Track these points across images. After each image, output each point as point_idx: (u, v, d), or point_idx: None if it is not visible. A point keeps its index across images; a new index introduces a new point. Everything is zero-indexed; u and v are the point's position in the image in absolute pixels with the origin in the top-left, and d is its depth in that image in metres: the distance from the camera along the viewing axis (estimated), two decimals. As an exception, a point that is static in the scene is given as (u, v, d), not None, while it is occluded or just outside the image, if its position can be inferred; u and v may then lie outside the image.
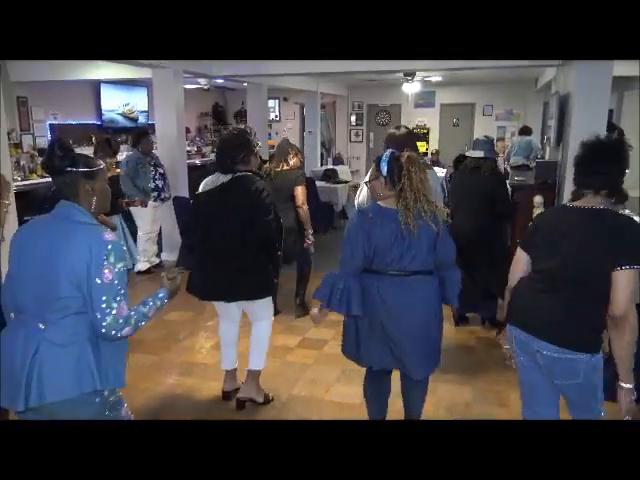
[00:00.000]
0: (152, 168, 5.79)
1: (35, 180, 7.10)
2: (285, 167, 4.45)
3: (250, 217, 2.91)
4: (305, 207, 4.39)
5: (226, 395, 3.36)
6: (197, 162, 10.25)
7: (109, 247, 1.78)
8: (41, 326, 1.78)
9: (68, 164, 1.82)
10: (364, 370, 2.76)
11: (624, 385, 1.95)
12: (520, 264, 2.23)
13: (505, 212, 4.16)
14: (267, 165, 4.58)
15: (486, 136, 4.33)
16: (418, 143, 13.57)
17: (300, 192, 4.37)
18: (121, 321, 1.80)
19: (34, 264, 1.79)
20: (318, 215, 5.45)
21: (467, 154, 4.29)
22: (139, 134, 5.92)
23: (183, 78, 6.44)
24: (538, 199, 4.83)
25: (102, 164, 1.94)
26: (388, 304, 2.41)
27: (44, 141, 8.12)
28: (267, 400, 3.31)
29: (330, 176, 8.91)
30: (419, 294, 2.43)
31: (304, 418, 3.14)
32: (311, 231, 4.50)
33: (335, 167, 9.75)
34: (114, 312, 1.78)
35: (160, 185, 5.87)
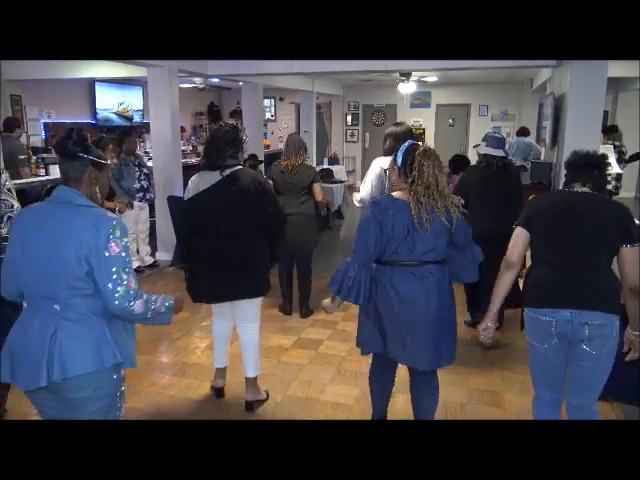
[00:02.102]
0: (137, 168, 5.77)
1: (29, 179, 7.06)
2: (302, 161, 4.54)
3: (259, 208, 2.92)
4: (325, 200, 4.81)
5: (219, 392, 3.37)
6: (192, 161, 10.23)
7: (114, 222, 1.82)
8: (56, 307, 1.81)
9: (80, 150, 1.87)
10: (359, 370, 2.77)
11: (635, 332, 2.35)
12: (521, 241, 2.44)
13: (521, 208, 4.19)
14: (283, 162, 4.54)
15: (497, 132, 4.23)
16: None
17: (318, 188, 4.60)
18: (132, 292, 1.83)
19: (41, 249, 1.81)
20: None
21: (482, 151, 4.09)
22: (123, 134, 5.89)
23: (178, 77, 6.43)
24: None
25: (108, 160, 2.01)
26: (401, 294, 2.43)
27: (38, 140, 8.09)
28: (267, 395, 3.37)
29: (326, 176, 8.91)
30: (431, 281, 2.43)
31: (299, 418, 3.13)
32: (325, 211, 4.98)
33: (331, 167, 9.75)
34: (125, 283, 1.81)
35: (145, 185, 5.85)
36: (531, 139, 8.61)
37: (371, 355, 2.75)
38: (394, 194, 2.47)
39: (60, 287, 1.80)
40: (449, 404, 3.31)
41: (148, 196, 5.92)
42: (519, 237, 2.45)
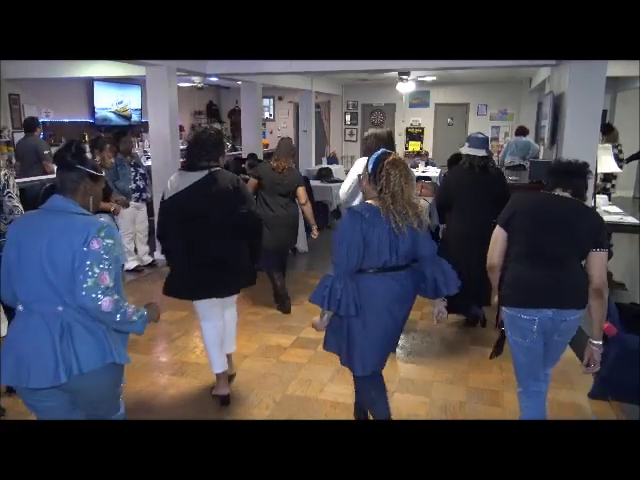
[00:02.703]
0: (132, 169, 5.75)
1: (27, 178, 7.05)
2: (290, 164, 4.74)
3: (234, 208, 3.01)
4: (309, 204, 4.81)
5: (224, 399, 3.30)
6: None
7: (103, 225, 1.92)
8: (60, 309, 1.89)
9: (78, 162, 1.99)
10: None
11: (595, 342, 2.44)
12: (500, 242, 2.57)
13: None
14: (273, 163, 4.70)
15: (481, 133, 4.26)
16: (412, 143, 13.45)
17: (303, 192, 4.73)
18: (102, 286, 1.87)
19: (40, 255, 1.88)
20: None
21: (464, 152, 4.16)
22: (118, 134, 5.88)
23: (177, 76, 6.42)
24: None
25: (107, 159, 2.11)
26: (386, 300, 2.47)
27: (37, 139, 8.07)
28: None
29: (324, 175, 8.91)
30: (408, 287, 2.53)
31: (298, 418, 3.13)
32: (316, 226, 4.92)
33: (329, 166, 9.75)
34: (96, 275, 1.86)
35: (141, 185, 5.84)
36: (530, 138, 8.61)
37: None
38: (370, 202, 2.49)
39: (62, 290, 1.88)
40: (448, 403, 3.31)
41: (145, 196, 5.90)
42: (498, 237, 2.58)
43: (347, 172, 11.46)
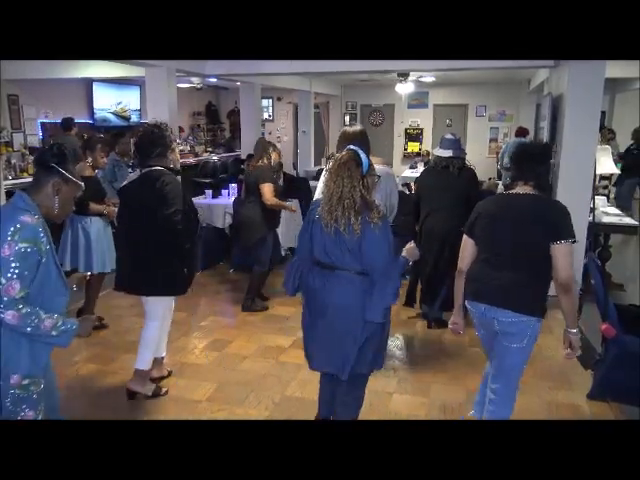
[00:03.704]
0: (130, 170, 5.74)
1: (27, 179, 7.05)
2: (262, 162, 4.74)
3: (153, 210, 3.00)
4: (271, 202, 4.64)
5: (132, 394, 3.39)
6: (190, 161, 10.22)
7: (17, 225, 1.81)
8: None
9: (55, 161, 1.96)
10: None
11: (572, 330, 2.42)
12: (467, 249, 2.61)
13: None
14: (249, 164, 4.96)
15: (453, 134, 4.34)
16: (411, 143, 13.45)
17: (266, 189, 4.62)
18: (6, 299, 1.78)
19: None
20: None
21: (435, 152, 4.31)
22: (115, 136, 5.88)
23: (176, 77, 6.41)
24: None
25: (82, 184, 2.07)
26: (309, 291, 2.56)
27: (35, 140, 8.07)
28: (156, 393, 3.37)
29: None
30: (338, 290, 2.43)
31: (297, 418, 3.13)
32: (289, 203, 5.02)
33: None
34: (0, 287, 1.77)
35: None
36: (528, 140, 8.61)
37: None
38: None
39: None
40: (447, 404, 3.31)
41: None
42: (465, 245, 2.63)
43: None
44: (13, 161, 7.22)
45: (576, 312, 2.47)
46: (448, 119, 12.59)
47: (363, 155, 2.42)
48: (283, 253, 6.17)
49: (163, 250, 3.04)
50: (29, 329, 1.85)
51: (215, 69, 6.75)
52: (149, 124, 3.25)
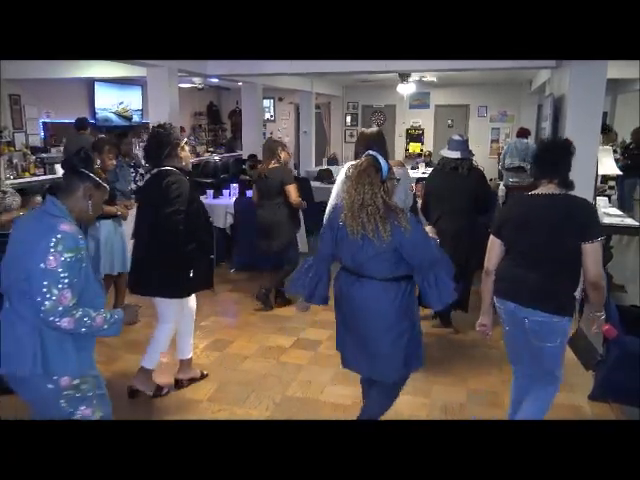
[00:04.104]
0: (132, 170, 5.75)
1: (28, 178, 7.07)
2: (276, 164, 4.71)
3: (156, 209, 3.01)
4: (297, 202, 4.74)
5: (177, 382, 3.50)
6: (192, 161, 10.21)
7: (59, 236, 1.86)
8: (7, 305, 1.97)
9: (83, 165, 2.02)
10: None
11: (598, 313, 2.48)
12: (495, 249, 2.61)
13: (490, 207, 4.28)
14: (260, 166, 4.84)
15: (460, 135, 4.31)
16: (412, 144, 13.42)
17: (291, 189, 4.66)
18: (60, 309, 1.85)
19: (9, 252, 1.97)
20: (312, 215, 5.53)
21: (442, 154, 4.27)
22: (119, 136, 5.90)
23: (178, 77, 6.42)
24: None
25: (108, 188, 2.16)
26: (340, 298, 2.55)
27: (37, 139, 8.08)
28: (157, 393, 3.38)
29: (325, 177, 8.90)
30: (367, 296, 2.45)
31: (298, 419, 3.13)
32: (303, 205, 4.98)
33: (330, 167, 9.75)
34: (54, 298, 1.83)
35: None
36: (530, 140, 8.61)
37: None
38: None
39: (12, 288, 1.94)
40: (449, 404, 3.31)
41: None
42: (493, 245, 2.63)
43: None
44: (15, 161, 7.24)
45: (602, 302, 2.49)
46: (449, 120, 12.59)
47: (382, 160, 2.43)
48: None
49: (164, 250, 3.03)
50: (84, 329, 1.92)
51: (217, 69, 6.75)
52: (154, 126, 3.28)
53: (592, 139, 4.90)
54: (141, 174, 5.87)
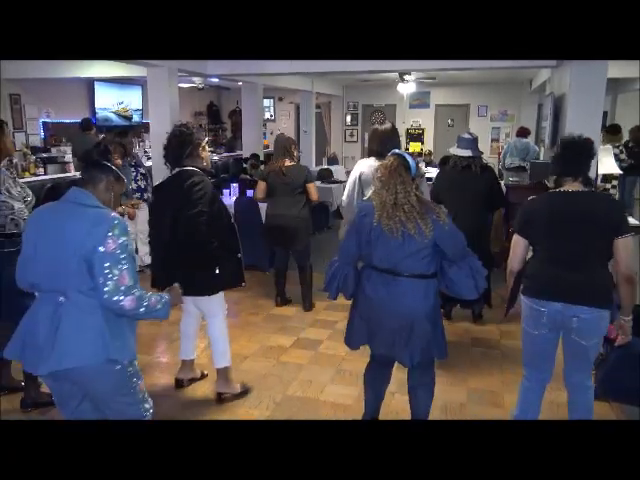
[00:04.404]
0: (133, 169, 5.75)
1: (28, 178, 7.06)
2: (292, 162, 4.65)
3: (178, 210, 2.96)
4: (318, 200, 4.83)
5: (178, 382, 3.48)
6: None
7: (115, 222, 1.94)
8: (61, 299, 1.94)
9: (104, 159, 2.09)
10: (359, 370, 2.77)
11: (626, 318, 2.48)
12: (520, 248, 2.60)
13: (501, 205, 4.29)
14: (275, 163, 4.68)
15: (470, 133, 4.28)
16: (412, 144, 13.44)
17: (313, 188, 4.65)
18: (123, 288, 1.92)
19: (48, 245, 1.95)
20: (313, 215, 5.53)
21: (452, 152, 4.23)
22: (118, 135, 5.89)
23: (178, 77, 6.42)
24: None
25: (126, 181, 2.21)
26: (373, 299, 2.51)
27: (37, 139, 8.08)
28: (245, 390, 3.38)
29: (325, 176, 8.91)
30: (403, 294, 2.46)
31: (298, 419, 3.13)
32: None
33: (330, 167, 9.75)
34: (115, 278, 1.91)
35: (142, 186, 5.83)
36: (530, 139, 8.61)
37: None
38: (373, 200, 2.51)
39: (64, 282, 1.93)
40: (449, 404, 3.31)
41: (146, 196, 5.91)
42: (517, 245, 2.61)
43: (347, 173, 11.45)
44: (15, 160, 7.23)
45: (634, 302, 2.50)
46: (450, 119, 12.59)
47: (410, 158, 2.48)
48: None
49: (186, 250, 2.98)
50: (142, 309, 1.99)
51: (217, 69, 6.75)
52: (175, 125, 3.24)
53: (592, 138, 4.88)
54: (142, 173, 5.88)
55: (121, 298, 1.91)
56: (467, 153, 4.09)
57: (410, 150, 12.67)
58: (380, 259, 2.47)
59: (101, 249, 1.89)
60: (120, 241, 1.92)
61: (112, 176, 2.09)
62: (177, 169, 3.09)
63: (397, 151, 2.54)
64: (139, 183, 5.80)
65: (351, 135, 13.42)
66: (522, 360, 2.75)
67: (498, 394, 3.41)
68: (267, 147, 10.81)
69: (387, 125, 3.65)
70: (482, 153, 4.26)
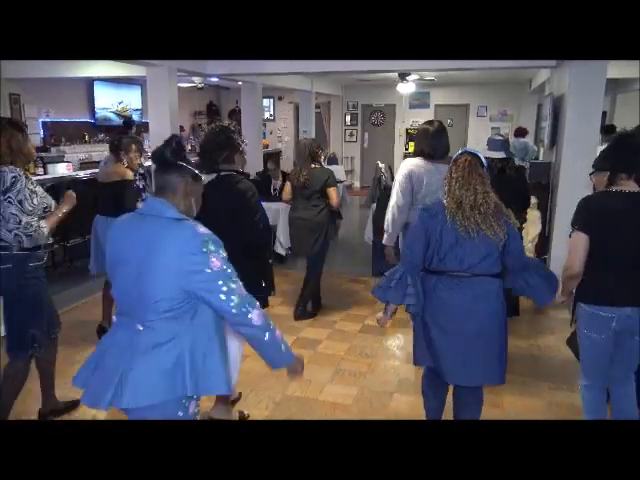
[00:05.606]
0: None
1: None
2: (317, 165, 4.58)
3: (233, 218, 2.76)
4: (338, 205, 4.72)
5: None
6: (191, 161, 10.21)
7: (205, 238, 1.70)
8: (139, 327, 1.72)
9: (180, 159, 1.80)
10: (358, 370, 2.76)
11: None
12: (582, 247, 2.42)
13: (528, 206, 4.33)
14: (296, 168, 4.64)
15: (500, 135, 4.25)
16: (412, 143, 13.41)
17: (334, 193, 4.53)
18: (247, 297, 1.75)
19: (130, 267, 1.72)
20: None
21: (486, 155, 4.20)
22: (118, 134, 5.89)
23: (177, 76, 6.42)
24: (532, 199, 4.85)
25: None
26: (447, 304, 2.40)
27: (37, 139, 8.08)
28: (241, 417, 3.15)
29: (325, 176, 8.88)
30: (479, 295, 2.38)
31: (298, 418, 3.13)
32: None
33: (330, 167, 9.74)
34: (237, 291, 1.72)
35: (140, 185, 5.82)
36: (528, 139, 8.62)
37: (381, 360, 2.74)
38: (444, 200, 2.42)
39: (145, 308, 1.71)
40: (449, 404, 3.31)
41: (144, 196, 5.90)
42: (579, 243, 2.43)
43: (347, 173, 11.39)
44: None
45: None
46: (449, 119, 12.59)
47: (482, 157, 2.42)
48: (284, 253, 6.18)
49: (247, 257, 2.73)
50: (268, 333, 1.76)
51: (216, 69, 6.75)
52: (215, 125, 3.00)
53: (591, 139, 4.90)
54: (141, 173, 5.86)
55: (250, 309, 1.72)
56: (500, 155, 4.05)
57: (410, 150, 12.70)
58: (449, 262, 2.37)
59: (208, 270, 1.67)
60: (222, 256, 1.72)
61: (189, 176, 1.81)
62: (217, 174, 2.85)
63: (470, 149, 2.46)
64: (137, 183, 5.78)
65: (351, 135, 13.41)
66: (582, 370, 2.65)
67: (498, 394, 3.41)
68: (266, 147, 10.81)
69: (435, 124, 3.53)
70: (512, 154, 4.25)
